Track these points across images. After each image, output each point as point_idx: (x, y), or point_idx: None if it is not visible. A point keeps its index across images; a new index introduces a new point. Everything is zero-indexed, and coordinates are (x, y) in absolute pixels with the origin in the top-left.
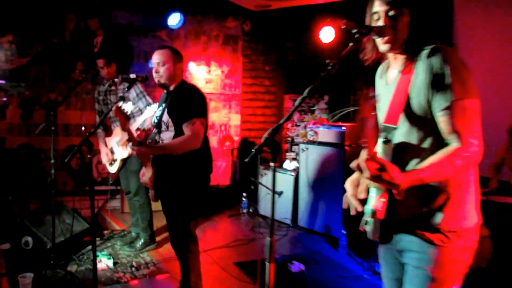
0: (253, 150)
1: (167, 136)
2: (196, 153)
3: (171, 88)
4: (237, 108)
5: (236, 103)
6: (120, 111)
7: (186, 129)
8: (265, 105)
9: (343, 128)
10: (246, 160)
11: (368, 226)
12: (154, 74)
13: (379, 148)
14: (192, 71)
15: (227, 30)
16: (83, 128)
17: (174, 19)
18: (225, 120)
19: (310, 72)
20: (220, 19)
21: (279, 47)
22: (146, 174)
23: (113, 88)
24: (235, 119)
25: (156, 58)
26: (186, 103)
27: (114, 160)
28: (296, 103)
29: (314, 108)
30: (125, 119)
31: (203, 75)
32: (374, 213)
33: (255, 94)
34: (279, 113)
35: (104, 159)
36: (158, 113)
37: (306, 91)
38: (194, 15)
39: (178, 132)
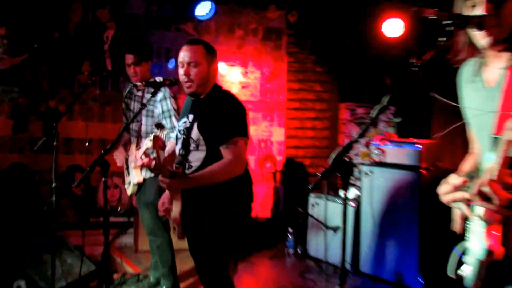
0: (318, 174)
1: (196, 157)
2: (235, 177)
3: (202, 95)
4: (280, 119)
5: (279, 114)
6: (157, 141)
7: (226, 151)
8: (315, 116)
9: (418, 146)
10: (310, 187)
11: (468, 271)
12: (181, 78)
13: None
14: (223, 73)
15: (268, 22)
16: (87, 144)
17: (203, 9)
18: (266, 135)
19: (372, 74)
20: (260, 9)
21: (333, 43)
22: (174, 209)
23: (137, 93)
24: (278, 134)
25: (187, 56)
26: (224, 116)
27: (129, 183)
28: (373, 113)
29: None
30: (161, 149)
31: (238, 78)
32: (490, 254)
33: (303, 102)
34: (334, 126)
35: (119, 161)
36: (182, 127)
37: (386, 99)
38: (227, 3)
39: (211, 152)
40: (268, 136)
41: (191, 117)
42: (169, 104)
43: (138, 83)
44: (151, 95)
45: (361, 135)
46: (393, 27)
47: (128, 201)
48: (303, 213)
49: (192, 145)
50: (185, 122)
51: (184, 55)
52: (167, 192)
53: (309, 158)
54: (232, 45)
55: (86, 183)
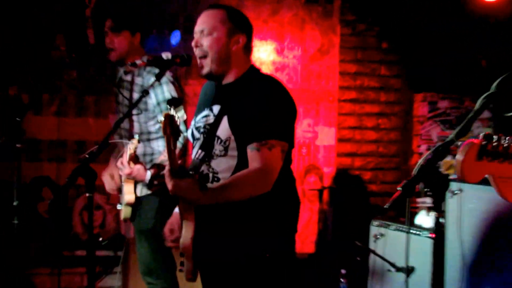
0: (399, 189)
1: (224, 165)
2: (277, 196)
3: (230, 78)
4: (329, 116)
5: (327, 107)
6: (170, 124)
7: (255, 155)
8: (380, 110)
9: None
10: (387, 206)
11: None
12: (196, 53)
13: None
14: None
15: None
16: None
17: None
18: (308, 137)
19: (463, 52)
20: None
21: (404, 10)
22: (184, 233)
23: (126, 77)
24: (326, 136)
25: (199, 23)
26: (263, 108)
27: (121, 202)
28: (479, 104)
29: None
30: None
31: (270, 56)
32: None
33: (362, 92)
34: (406, 125)
35: (108, 185)
36: (202, 123)
37: (496, 84)
38: None
39: (244, 160)
40: (312, 139)
41: (216, 108)
42: (166, 91)
43: (137, 62)
44: (155, 78)
45: (461, 134)
46: None
47: (115, 228)
48: (362, 248)
49: (218, 148)
50: (206, 116)
51: (197, 24)
52: (176, 213)
53: (369, 171)
54: (263, 11)
55: (56, 200)
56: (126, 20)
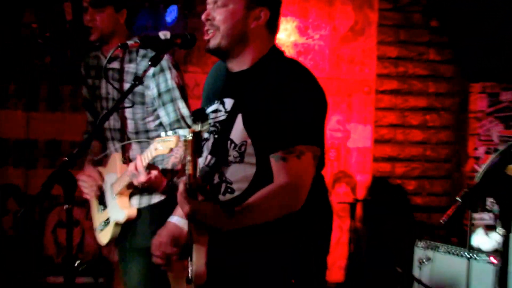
0: (458, 199)
1: (240, 174)
2: (306, 211)
3: (245, 63)
4: (364, 111)
5: (362, 100)
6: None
7: (281, 167)
8: (428, 104)
9: None
10: (443, 221)
11: None
12: (206, 26)
13: None
14: None
15: None
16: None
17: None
18: (338, 137)
19: None
20: None
21: None
22: (197, 259)
23: (114, 64)
24: (360, 136)
25: None
26: (288, 105)
27: (106, 222)
28: None
29: None
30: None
31: (291, 37)
32: None
33: (405, 81)
34: (460, 122)
35: (88, 191)
36: (211, 119)
37: None
38: None
39: (266, 168)
40: (342, 140)
41: (228, 103)
42: (169, 79)
43: (129, 42)
44: (149, 63)
45: None
46: None
47: (95, 249)
48: (404, 276)
49: (233, 154)
50: (216, 111)
51: None
52: (168, 227)
53: (414, 179)
54: None
55: (23, 216)
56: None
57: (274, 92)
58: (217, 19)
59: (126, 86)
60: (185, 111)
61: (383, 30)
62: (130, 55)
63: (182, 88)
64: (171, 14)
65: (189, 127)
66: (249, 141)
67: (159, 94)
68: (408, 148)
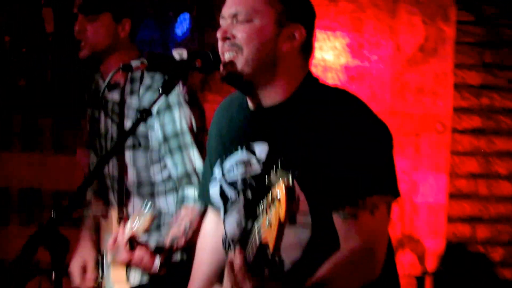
0: None
1: (289, 240)
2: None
3: (276, 96)
4: (437, 154)
5: (433, 141)
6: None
7: (351, 226)
8: None
9: None
10: None
11: None
12: (219, 47)
13: None
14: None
15: None
16: None
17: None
18: (402, 189)
19: None
20: None
21: None
22: None
23: (115, 95)
24: (432, 188)
25: (232, 2)
26: (349, 148)
27: None
28: None
29: None
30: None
31: (339, 58)
32: None
33: (492, 117)
34: None
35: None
36: (238, 174)
37: None
38: None
39: (323, 230)
40: (408, 193)
41: (261, 149)
42: (178, 119)
43: (133, 63)
44: (160, 91)
45: None
46: None
47: None
48: None
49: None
50: (245, 162)
51: (227, 2)
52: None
53: (502, 246)
54: None
55: None
56: (120, 9)
57: (328, 132)
58: (239, 38)
59: (126, 123)
60: (198, 163)
61: (462, 50)
62: (132, 84)
63: (197, 131)
64: (182, 24)
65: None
66: (301, 196)
67: (165, 138)
68: (494, 205)
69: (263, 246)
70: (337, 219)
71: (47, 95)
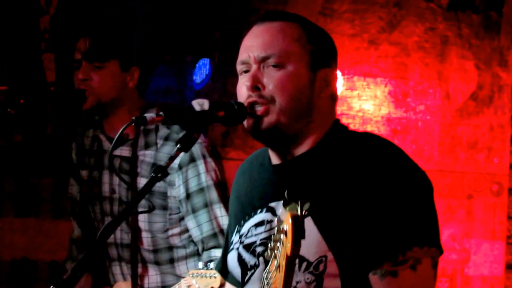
0: None
1: None
2: None
3: (303, 145)
4: (492, 219)
5: (489, 204)
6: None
7: (390, 284)
8: None
9: None
10: None
11: None
12: (243, 96)
13: None
14: (338, 93)
15: None
16: None
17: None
18: (451, 258)
19: None
20: None
21: None
22: None
23: (125, 150)
24: (486, 258)
25: (259, 44)
26: (386, 200)
27: None
28: None
29: None
30: None
31: (382, 109)
32: None
33: None
34: None
35: None
36: (257, 237)
37: None
38: None
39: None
40: (458, 264)
41: (281, 207)
42: (203, 173)
43: (150, 115)
44: (178, 146)
45: None
46: None
47: None
48: None
49: (304, 278)
50: (266, 223)
51: (251, 43)
52: None
53: None
54: (370, 23)
55: None
56: (117, 41)
57: (359, 182)
58: (271, 88)
59: (141, 182)
60: (224, 221)
61: None
62: (147, 138)
63: (222, 186)
64: (202, 71)
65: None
66: (330, 256)
67: (188, 196)
68: None
69: None
70: (374, 280)
71: (46, 152)
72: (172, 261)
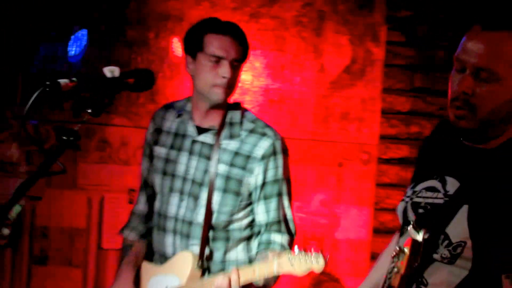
0: None
1: (441, 278)
2: None
3: (492, 143)
4: (361, 186)
5: (359, 172)
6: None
7: None
8: None
9: None
10: None
11: None
12: (454, 96)
13: None
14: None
15: None
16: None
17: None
18: (321, 223)
19: None
20: None
21: None
22: None
23: (208, 138)
24: (355, 223)
25: (478, 56)
26: None
27: None
28: None
29: None
30: None
31: (260, 79)
32: None
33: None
34: None
35: None
36: (422, 197)
37: None
38: None
39: (479, 277)
40: (328, 228)
41: (452, 184)
42: (280, 167)
43: (63, 80)
44: (89, 113)
45: None
46: None
47: None
48: None
49: (442, 252)
50: (432, 189)
51: (470, 51)
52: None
53: None
54: (248, 3)
55: None
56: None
57: None
58: (478, 97)
59: (221, 168)
60: (289, 213)
61: (392, 73)
62: (232, 129)
63: (289, 182)
64: (78, 43)
65: (289, 233)
66: (469, 242)
67: (264, 184)
68: None
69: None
70: (506, 283)
71: None
72: (227, 240)
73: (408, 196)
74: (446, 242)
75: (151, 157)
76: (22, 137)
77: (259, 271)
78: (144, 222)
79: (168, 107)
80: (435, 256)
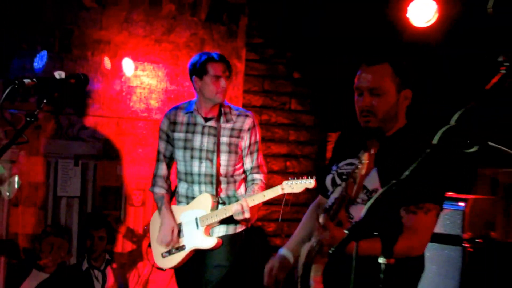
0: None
1: (361, 212)
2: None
3: (389, 133)
4: None
5: None
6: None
7: (411, 218)
8: (289, 151)
9: (460, 204)
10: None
11: None
12: (361, 109)
13: None
14: (134, 73)
15: None
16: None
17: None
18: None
19: None
20: None
21: (317, 33)
22: (315, 275)
23: (212, 122)
24: None
25: (368, 81)
26: (421, 170)
27: (179, 248)
28: (436, 139)
29: None
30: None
31: (162, 83)
32: None
33: (269, 129)
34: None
35: (165, 237)
36: (345, 170)
37: (456, 117)
38: None
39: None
40: None
41: (363, 160)
42: (258, 134)
43: (27, 80)
44: (44, 103)
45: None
46: (422, 11)
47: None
48: None
49: (362, 196)
50: (352, 164)
51: (362, 79)
52: (278, 256)
53: (274, 221)
54: (156, 29)
55: None
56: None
57: (411, 157)
58: (375, 108)
59: (223, 139)
60: (261, 160)
61: (249, 80)
62: (226, 116)
63: (261, 142)
64: (41, 60)
65: (264, 172)
66: (380, 188)
67: (250, 144)
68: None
69: (345, 196)
70: (402, 212)
71: None
72: (235, 182)
73: (333, 170)
74: (365, 190)
75: (167, 140)
76: (2, 121)
77: (268, 194)
78: (166, 181)
79: (176, 108)
80: (358, 200)
